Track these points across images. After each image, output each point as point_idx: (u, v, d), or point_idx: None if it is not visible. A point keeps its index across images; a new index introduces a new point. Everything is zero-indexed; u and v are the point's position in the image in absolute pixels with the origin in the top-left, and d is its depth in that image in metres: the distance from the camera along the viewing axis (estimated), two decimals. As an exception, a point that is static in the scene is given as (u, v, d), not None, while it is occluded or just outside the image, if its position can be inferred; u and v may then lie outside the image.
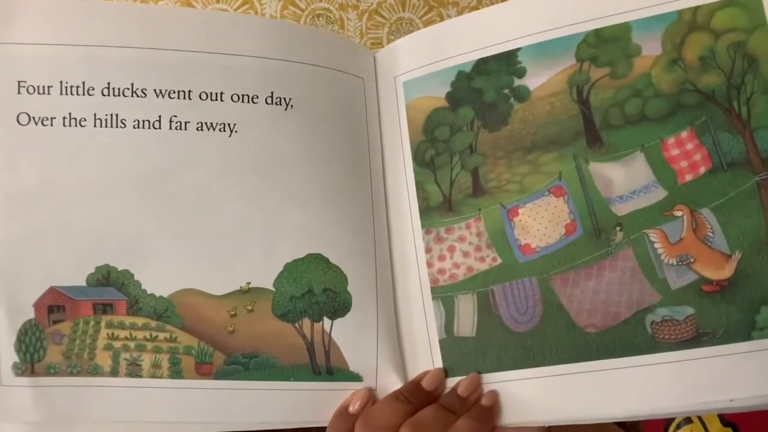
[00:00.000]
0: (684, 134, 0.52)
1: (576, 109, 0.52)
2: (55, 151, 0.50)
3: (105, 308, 0.50)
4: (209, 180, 0.51)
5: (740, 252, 0.49)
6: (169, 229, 0.51)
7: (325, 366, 0.51)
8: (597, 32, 0.52)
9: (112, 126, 0.51)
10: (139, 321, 0.50)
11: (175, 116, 0.52)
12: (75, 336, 0.50)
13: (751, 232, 0.48)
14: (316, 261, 0.52)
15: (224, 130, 0.52)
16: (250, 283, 0.51)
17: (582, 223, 0.51)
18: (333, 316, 0.52)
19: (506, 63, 0.53)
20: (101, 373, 0.49)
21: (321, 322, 0.52)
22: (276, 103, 0.53)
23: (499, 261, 0.53)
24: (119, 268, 0.50)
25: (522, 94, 0.53)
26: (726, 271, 0.49)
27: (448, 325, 0.52)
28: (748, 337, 0.47)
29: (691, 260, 0.51)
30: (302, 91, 0.54)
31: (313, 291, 0.52)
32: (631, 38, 0.51)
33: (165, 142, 0.51)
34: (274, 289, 0.51)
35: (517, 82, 0.53)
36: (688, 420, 0.60)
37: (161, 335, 0.50)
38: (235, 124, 0.52)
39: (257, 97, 0.53)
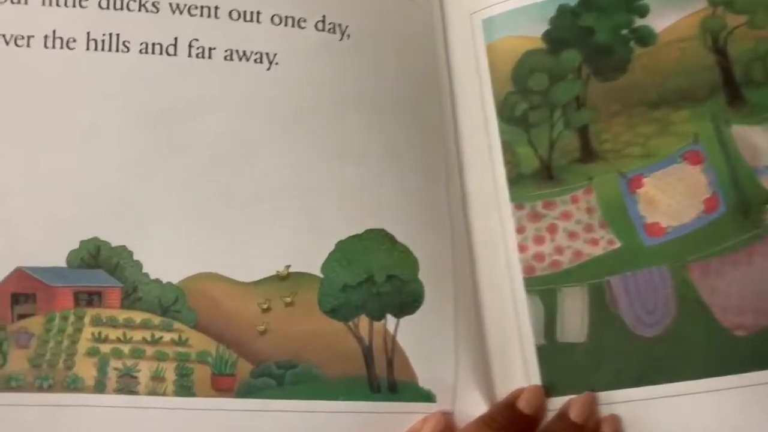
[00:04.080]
0: None
1: (711, 59, 0.46)
2: (32, 80, 0.43)
3: (91, 298, 0.43)
4: (238, 127, 0.45)
5: None
6: (181, 192, 0.44)
7: (386, 380, 0.44)
8: (734, -27, 0.46)
9: (110, 50, 0.44)
10: (138, 316, 0.43)
11: (197, 40, 0.45)
12: (48, 336, 0.42)
13: None
14: (379, 238, 0.45)
15: (261, 62, 0.45)
16: (289, 266, 0.44)
17: (725, 197, 0.45)
18: (399, 313, 0.45)
19: (624, -2, 0.48)
20: (82, 387, 0.42)
21: (383, 321, 0.45)
22: (329, 31, 0.46)
23: (618, 244, 0.46)
24: (113, 244, 0.43)
25: (645, 37, 0.47)
26: None
27: (548, 327, 0.46)
28: None
29: None
30: (361, 18, 0.47)
31: (374, 278, 0.45)
32: (775, -17, 0.46)
33: (181, 73, 0.44)
34: (321, 276, 0.44)
35: (638, 21, 0.48)
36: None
37: (167, 336, 0.43)
38: (275, 55, 0.45)
39: (305, 21, 0.46)
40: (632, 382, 0.44)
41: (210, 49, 0.45)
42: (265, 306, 0.44)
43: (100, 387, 0.42)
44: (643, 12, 0.48)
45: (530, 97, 0.48)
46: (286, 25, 0.46)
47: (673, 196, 0.46)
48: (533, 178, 0.48)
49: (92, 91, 0.44)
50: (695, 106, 0.46)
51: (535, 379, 0.45)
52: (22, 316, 0.42)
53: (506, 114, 0.49)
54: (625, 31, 0.48)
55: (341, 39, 0.47)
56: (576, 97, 0.48)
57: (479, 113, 0.49)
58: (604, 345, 0.45)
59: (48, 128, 0.43)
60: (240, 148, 0.45)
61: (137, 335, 0.43)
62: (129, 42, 0.44)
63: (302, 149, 0.45)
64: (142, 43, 0.44)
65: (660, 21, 0.47)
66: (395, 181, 0.46)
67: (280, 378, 0.43)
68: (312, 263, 0.45)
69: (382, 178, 0.46)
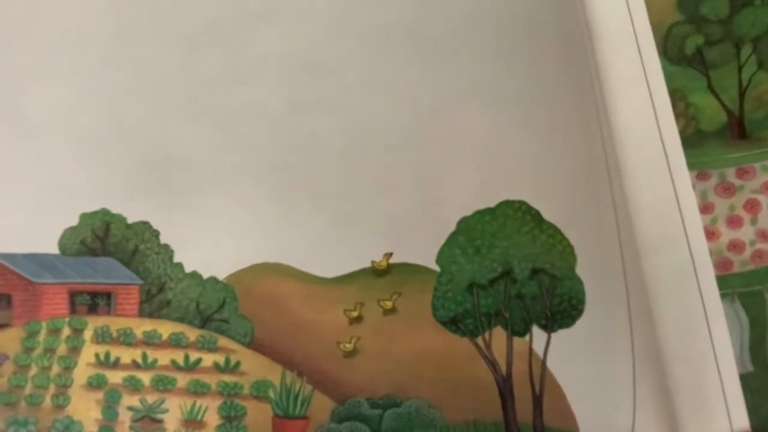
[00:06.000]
0: None
1: None
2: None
3: (96, 301, 0.37)
4: (322, 47, 0.38)
5: None
6: (237, 143, 0.37)
7: (532, 427, 0.37)
8: None
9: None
10: (165, 329, 0.37)
11: None
12: (28, 359, 0.37)
13: None
14: (518, 215, 0.38)
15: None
16: (390, 254, 0.37)
17: None
18: (551, 325, 0.37)
19: None
20: (78, 437, 0.36)
21: (527, 337, 0.38)
22: None
23: None
24: (129, 220, 0.38)
25: None
26: None
27: (756, 347, 0.39)
28: None
29: None
30: None
31: (513, 273, 0.37)
32: None
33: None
34: (438, 268, 0.38)
35: None
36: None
37: (208, 359, 0.37)
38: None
39: None
40: None
41: None
42: (354, 313, 0.37)
43: (106, 437, 0.35)
44: None
45: (705, 28, 0.42)
46: None
47: None
48: (719, 136, 0.42)
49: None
50: None
51: (741, 421, 0.37)
52: (-12, 329, 0.36)
53: (673, 51, 0.42)
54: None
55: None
56: (771, 27, 0.42)
57: (633, 51, 0.41)
58: (841, 372, 0.36)
59: (38, 47, 0.36)
60: (324, 77, 0.38)
61: (164, 357, 0.37)
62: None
63: (409, 82, 0.39)
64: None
65: None
66: (540, 135, 0.39)
67: (376, 422, 0.37)
68: (423, 250, 0.37)
69: (525, 130, 0.39)
